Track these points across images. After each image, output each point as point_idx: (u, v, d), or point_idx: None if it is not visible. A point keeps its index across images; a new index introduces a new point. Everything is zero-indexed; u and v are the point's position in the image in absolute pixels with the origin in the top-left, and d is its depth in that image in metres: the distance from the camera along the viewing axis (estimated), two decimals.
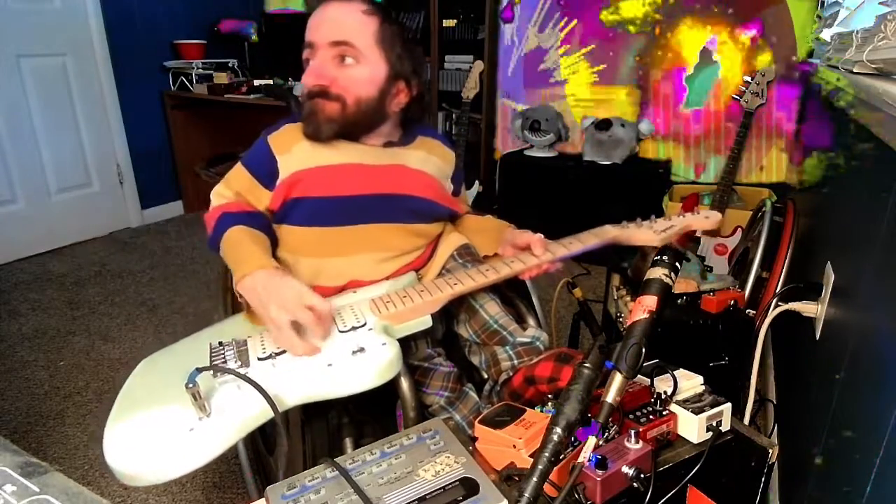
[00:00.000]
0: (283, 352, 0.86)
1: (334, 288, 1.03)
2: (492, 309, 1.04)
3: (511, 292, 1.18)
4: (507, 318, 1.04)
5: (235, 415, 0.76)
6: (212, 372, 0.82)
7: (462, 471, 0.60)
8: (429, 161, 1.14)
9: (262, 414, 0.77)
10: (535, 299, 1.18)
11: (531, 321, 1.13)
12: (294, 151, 1.04)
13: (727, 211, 2.22)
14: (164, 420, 0.77)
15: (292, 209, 1.04)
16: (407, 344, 1.01)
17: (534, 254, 1.00)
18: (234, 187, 1.08)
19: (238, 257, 0.95)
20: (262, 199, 1.06)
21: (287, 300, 0.85)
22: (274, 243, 1.06)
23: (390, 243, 1.06)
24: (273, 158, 1.04)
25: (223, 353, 0.88)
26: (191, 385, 0.73)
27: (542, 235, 1.05)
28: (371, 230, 1.04)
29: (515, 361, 0.99)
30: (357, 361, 0.83)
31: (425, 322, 0.95)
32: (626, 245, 1.05)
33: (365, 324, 0.90)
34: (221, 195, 1.09)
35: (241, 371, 0.82)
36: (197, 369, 0.74)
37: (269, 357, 0.86)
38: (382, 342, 0.86)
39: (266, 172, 1.05)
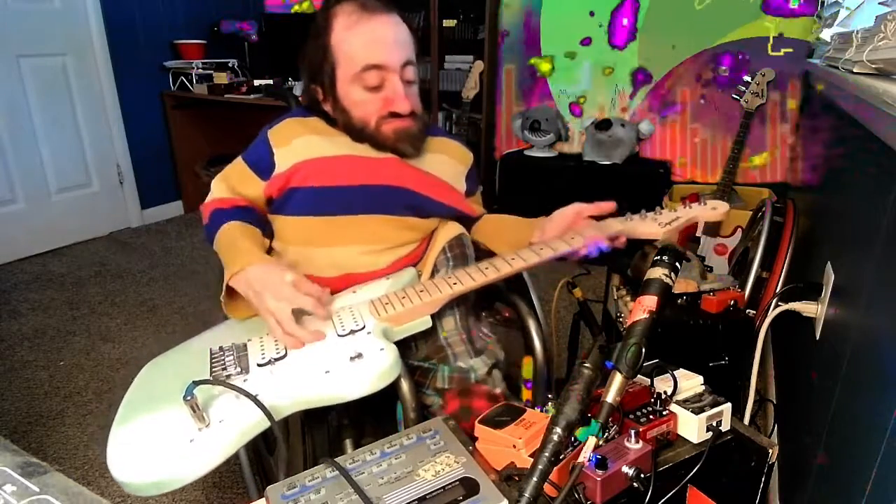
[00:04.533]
0: (282, 357, 0.86)
1: (326, 279, 1.03)
2: (448, 324, 1.02)
3: (511, 292, 1.17)
4: (457, 339, 1.01)
5: (235, 424, 0.77)
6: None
7: (462, 471, 0.60)
8: (435, 160, 1.13)
9: (261, 423, 0.77)
10: (535, 299, 1.18)
11: (531, 322, 1.12)
12: (294, 144, 1.05)
13: None
14: (165, 431, 0.78)
15: (289, 199, 1.04)
16: (407, 345, 1.01)
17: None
18: (229, 180, 1.09)
19: (230, 255, 0.96)
20: (256, 189, 1.06)
21: (283, 289, 0.86)
22: (269, 235, 1.07)
23: (382, 235, 1.06)
24: (271, 152, 1.05)
25: (223, 359, 0.88)
26: (188, 398, 0.73)
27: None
28: (363, 220, 1.04)
29: (446, 385, 0.96)
30: (355, 368, 0.83)
31: (425, 323, 0.94)
32: (631, 238, 1.04)
33: (364, 327, 0.90)
34: (218, 186, 1.10)
35: (241, 378, 0.83)
36: (194, 382, 0.74)
37: (269, 363, 0.86)
38: (380, 347, 0.86)
39: (263, 166, 1.06)
